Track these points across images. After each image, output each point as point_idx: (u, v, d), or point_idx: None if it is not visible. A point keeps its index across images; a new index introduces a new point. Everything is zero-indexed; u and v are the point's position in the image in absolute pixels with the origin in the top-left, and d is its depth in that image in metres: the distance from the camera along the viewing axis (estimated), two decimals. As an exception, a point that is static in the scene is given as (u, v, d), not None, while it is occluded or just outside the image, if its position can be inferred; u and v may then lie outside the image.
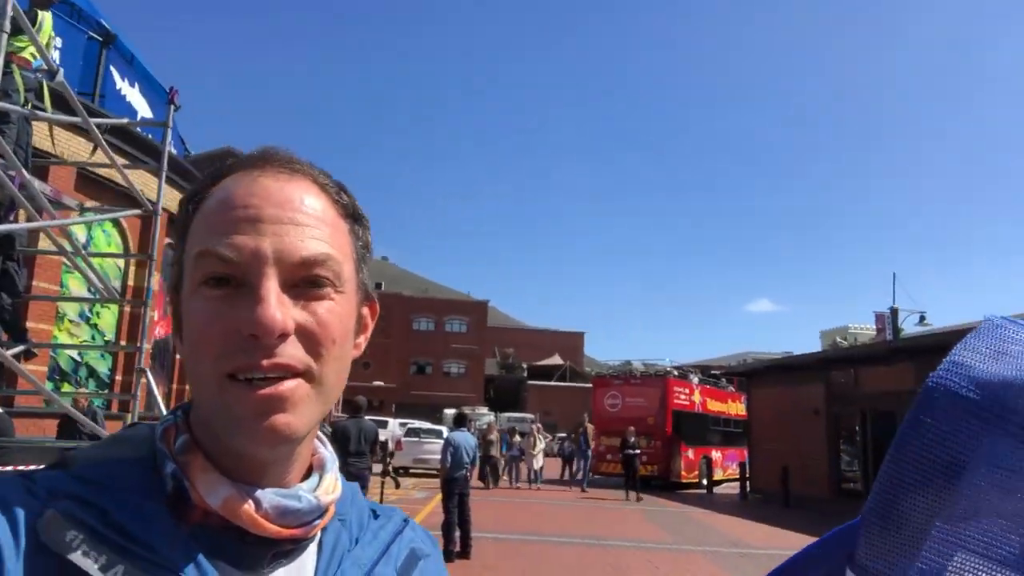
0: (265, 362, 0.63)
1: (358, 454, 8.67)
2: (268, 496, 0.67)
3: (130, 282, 13.51)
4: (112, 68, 12.85)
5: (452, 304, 73.16)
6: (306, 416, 0.66)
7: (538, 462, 22.14)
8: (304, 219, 0.68)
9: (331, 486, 0.74)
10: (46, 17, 6.86)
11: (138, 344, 6.63)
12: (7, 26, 5.01)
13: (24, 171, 5.80)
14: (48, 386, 10.76)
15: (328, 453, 0.78)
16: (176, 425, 0.70)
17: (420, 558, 0.80)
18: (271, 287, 0.64)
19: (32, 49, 6.34)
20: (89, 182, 11.67)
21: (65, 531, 0.59)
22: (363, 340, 0.77)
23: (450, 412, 18.72)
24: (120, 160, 8.20)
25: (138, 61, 13.84)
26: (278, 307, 0.63)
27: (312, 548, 0.72)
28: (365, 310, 0.77)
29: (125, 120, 10.14)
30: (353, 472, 8.54)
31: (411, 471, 23.46)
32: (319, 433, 0.77)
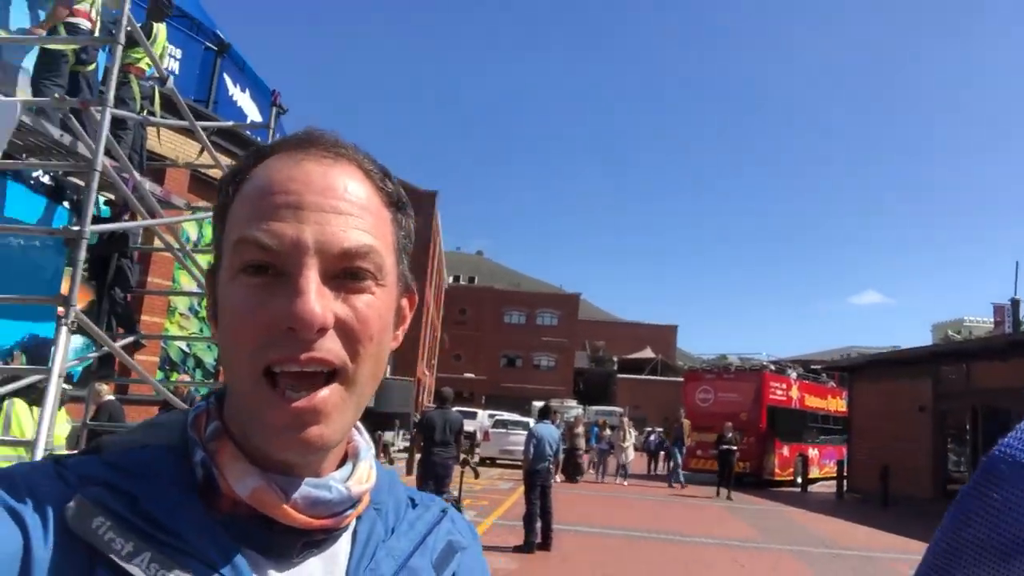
0: (303, 356, 0.61)
1: (443, 444, 8.87)
2: (298, 486, 0.65)
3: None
4: (225, 75, 13.57)
5: (543, 297, 73.44)
6: (340, 423, 0.65)
7: (628, 456, 22.01)
8: (347, 207, 0.65)
9: (365, 475, 0.72)
10: (160, 29, 7.37)
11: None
12: (123, 38, 5.45)
13: (136, 173, 6.28)
14: (158, 375, 11.57)
15: (363, 441, 0.76)
16: (208, 411, 0.70)
17: (457, 550, 0.78)
18: (311, 278, 0.62)
19: (147, 60, 6.83)
20: (201, 183, 12.43)
21: (92, 518, 0.58)
22: (401, 333, 0.75)
23: (538, 404, 18.78)
24: (226, 160, 8.72)
25: (249, 67, 14.53)
26: (318, 300, 0.61)
27: (346, 538, 0.71)
28: (404, 302, 0.75)
29: (230, 123, 10.73)
30: (437, 461, 8.76)
31: (497, 462, 23.80)
32: (357, 422, 0.75)
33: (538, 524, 9.55)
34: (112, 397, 8.38)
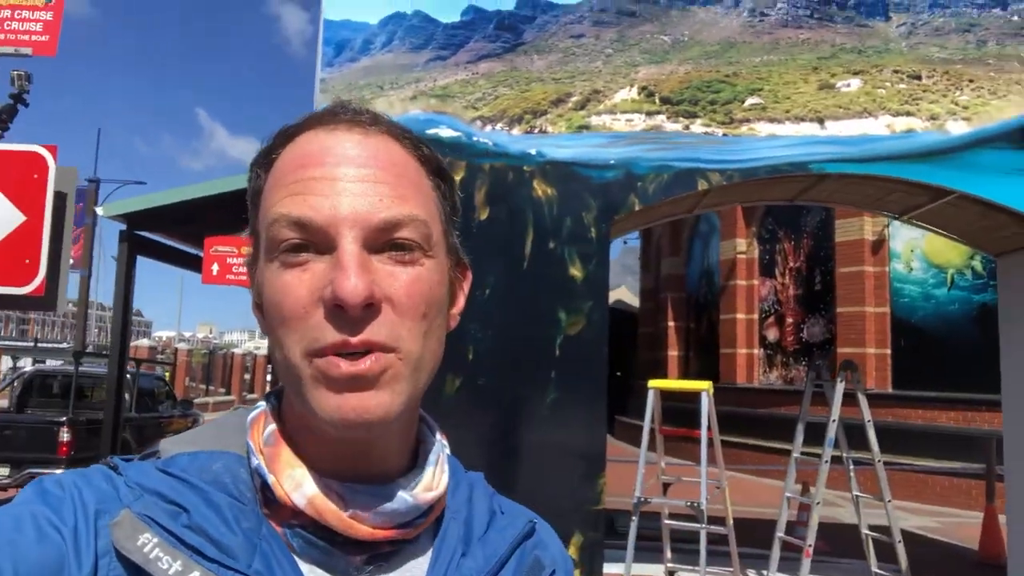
0: (354, 339, 0.57)
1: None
2: (358, 494, 0.62)
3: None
4: None
5: None
6: (399, 395, 0.60)
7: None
8: (385, 176, 0.62)
9: (433, 481, 0.67)
10: None
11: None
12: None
13: None
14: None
15: (435, 441, 0.71)
16: (265, 413, 0.66)
17: (543, 569, 0.72)
18: (353, 251, 0.59)
19: None
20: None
21: (139, 534, 0.56)
22: (457, 311, 0.71)
23: None
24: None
25: None
26: (362, 274, 0.58)
27: (423, 553, 0.66)
28: (458, 277, 0.70)
29: None
30: None
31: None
32: (426, 417, 0.72)
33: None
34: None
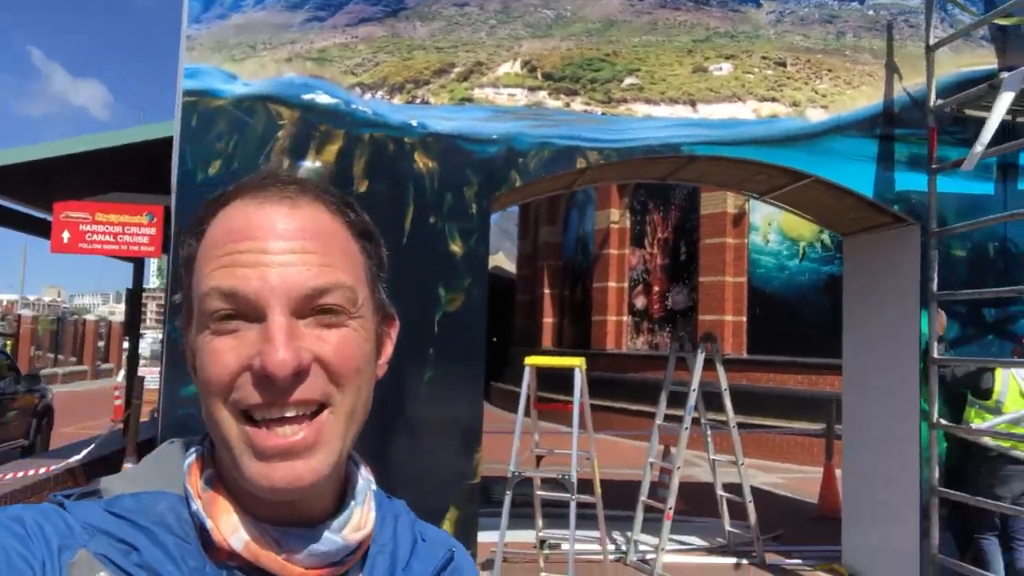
0: (285, 401, 0.61)
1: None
2: (291, 537, 0.65)
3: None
4: None
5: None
6: (330, 455, 0.64)
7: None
8: (312, 246, 0.65)
9: (361, 520, 0.70)
10: None
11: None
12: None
13: None
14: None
15: (362, 480, 0.74)
16: (202, 457, 0.69)
17: None
18: (280, 323, 0.61)
19: None
20: None
21: (95, 573, 0.59)
22: (384, 360, 0.74)
23: None
24: None
25: None
26: (289, 346, 0.60)
27: None
28: (385, 329, 0.74)
29: None
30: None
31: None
32: (352, 453, 0.74)
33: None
34: None
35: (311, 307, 0.64)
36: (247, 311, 0.62)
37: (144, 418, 8.69)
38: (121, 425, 9.46)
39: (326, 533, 0.66)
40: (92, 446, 7.14)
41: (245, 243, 0.64)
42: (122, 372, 16.26)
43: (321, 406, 0.63)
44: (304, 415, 0.62)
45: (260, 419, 0.61)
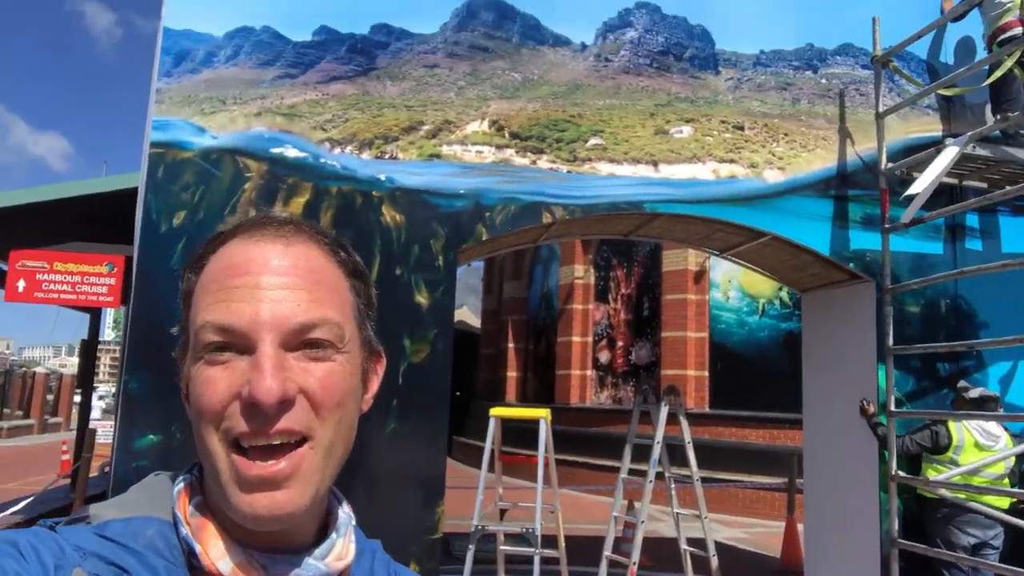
0: (269, 429, 0.64)
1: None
2: (276, 563, 0.68)
3: None
4: None
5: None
6: (310, 487, 0.66)
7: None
8: (303, 283, 0.68)
9: (343, 551, 0.73)
10: None
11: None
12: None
13: None
14: None
15: (344, 514, 0.77)
16: (191, 485, 0.72)
17: None
18: (269, 355, 0.65)
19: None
20: None
21: None
22: (370, 396, 0.78)
23: None
24: None
25: None
26: (276, 375, 0.64)
27: None
28: (371, 365, 0.78)
29: None
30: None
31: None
32: (334, 489, 0.77)
33: None
34: None
35: (299, 340, 0.67)
36: (239, 343, 0.66)
37: (94, 473, 8.40)
38: (66, 480, 9.12)
39: (310, 560, 0.69)
40: (30, 499, 6.86)
41: (240, 278, 0.68)
42: (73, 424, 15.73)
43: (303, 439, 0.66)
44: (288, 444, 0.66)
45: (247, 446, 0.65)
